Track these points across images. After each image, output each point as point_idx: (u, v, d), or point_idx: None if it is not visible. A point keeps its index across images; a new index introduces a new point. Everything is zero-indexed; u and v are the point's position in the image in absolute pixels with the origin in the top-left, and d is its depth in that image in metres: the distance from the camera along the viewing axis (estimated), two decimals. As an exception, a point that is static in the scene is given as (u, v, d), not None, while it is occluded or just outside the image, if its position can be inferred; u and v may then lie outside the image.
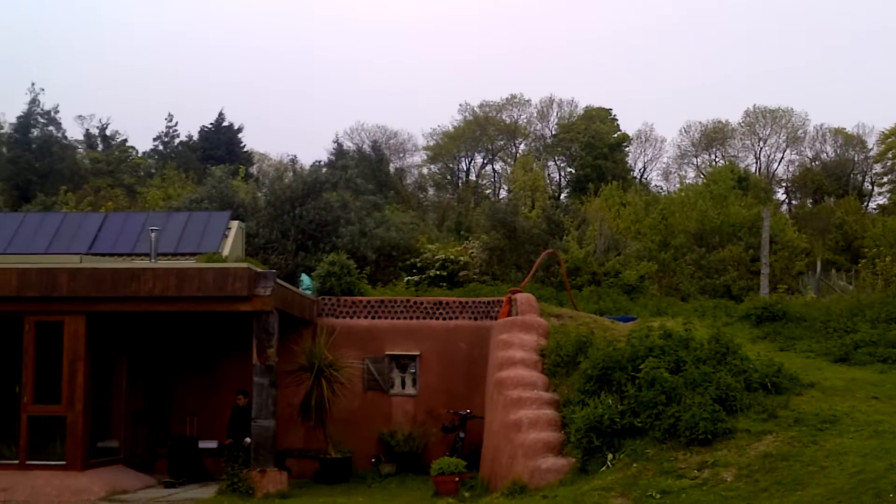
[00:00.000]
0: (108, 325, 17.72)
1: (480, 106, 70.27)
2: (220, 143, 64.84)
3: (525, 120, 70.86)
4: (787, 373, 14.50)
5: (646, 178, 70.01)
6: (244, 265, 16.96)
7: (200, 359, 20.68)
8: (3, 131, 62.69)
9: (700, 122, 70.19)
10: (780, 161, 69.38)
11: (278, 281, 17.26)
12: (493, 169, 71.30)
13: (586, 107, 68.60)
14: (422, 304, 21.13)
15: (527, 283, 22.42)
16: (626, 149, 67.64)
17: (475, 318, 20.87)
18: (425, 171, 71.21)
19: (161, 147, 69.07)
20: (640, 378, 14.02)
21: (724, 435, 12.76)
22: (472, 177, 70.06)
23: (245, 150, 66.97)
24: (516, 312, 18.94)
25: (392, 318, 20.92)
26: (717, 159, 68.73)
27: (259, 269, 17.15)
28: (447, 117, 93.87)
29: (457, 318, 20.94)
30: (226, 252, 25.20)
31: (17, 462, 16.42)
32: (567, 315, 19.90)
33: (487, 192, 67.49)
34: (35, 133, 58.71)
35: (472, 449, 18.32)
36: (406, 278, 33.39)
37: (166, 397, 20.48)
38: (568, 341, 17.01)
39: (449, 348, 20.64)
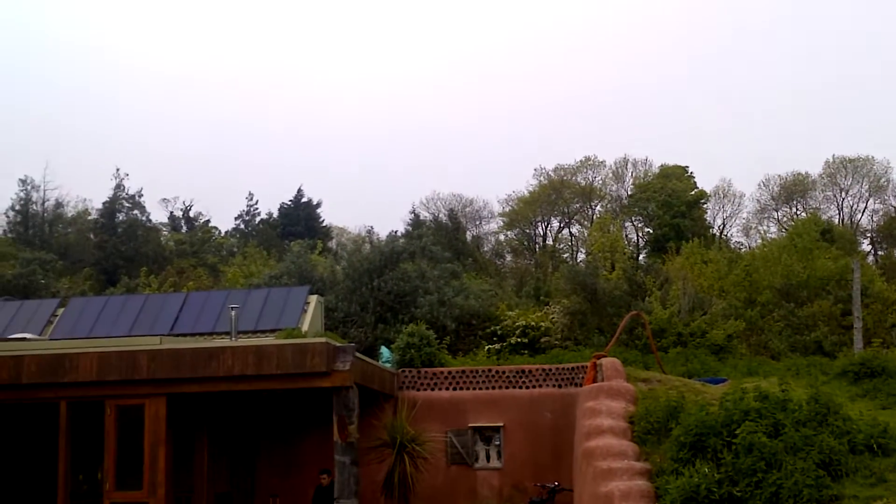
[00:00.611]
0: (188, 407, 17.63)
1: (555, 169, 70.08)
2: (300, 218, 65.71)
3: (600, 181, 70.37)
4: (894, 433, 13.72)
5: (726, 235, 68.71)
6: (322, 340, 16.75)
7: (282, 437, 20.47)
8: (90, 217, 64.43)
9: (779, 176, 68.92)
10: (864, 211, 67.59)
11: (357, 355, 17.01)
12: (570, 232, 70.77)
13: (661, 165, 67.87)
14: (504, 372, 20.68)
15: (611, 346, 21.84)
16: (705, 206, 66.59)
17: (559, 386, 20.34)
18: (502, 237, 71.01)
19: (242, 225, 70.29)
20: (736, 444, 13.39)
21: (830, 502, 12.03)
22: (549, 241, 69.60)
23: (323, 224, 67.75)
24: (602, 378, 18.37)
25: (474, 389, 20.50)
26: (798, 212, 67.23)
27: (338, 344, 16.93)
28: (522, 182, 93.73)
29: (540, 386, 20.43)
30: (305, 327, 25.11)
31: (100, 550, 16.27)
32: (655, 379, 19.27)
33: (565, 255, 66.90)
34: (120, 217, 60.23)
35: (562, 523, 17.69)
36: (486, 347, 32.93)
37: (249, 478, 20.25)
38: (658, 407, 16.39)
39: (533, 418, 20.10)
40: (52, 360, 16.64)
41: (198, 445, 18.31)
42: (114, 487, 16.42)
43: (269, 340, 19.09)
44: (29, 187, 63.73)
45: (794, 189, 68.53)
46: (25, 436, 18.15)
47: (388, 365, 21.19)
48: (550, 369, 20.66)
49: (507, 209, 70.48)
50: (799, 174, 68.47)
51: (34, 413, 17.68)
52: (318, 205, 68.02)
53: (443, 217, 63.65)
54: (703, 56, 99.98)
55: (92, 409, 16.77)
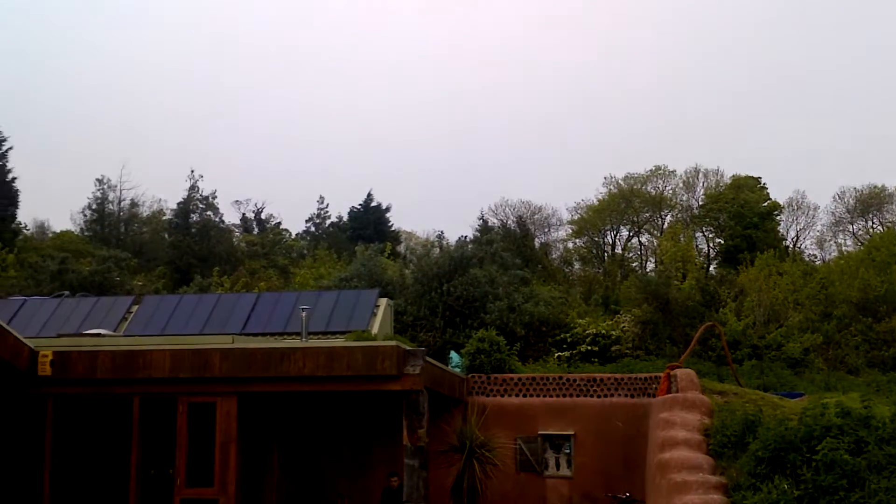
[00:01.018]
0: (260, 406, 17.68)
1: (625, 178, 69.37)
2: (369, 222, 65.98)
3: (670, 191, 69.50)
4: (982, 454, 13.20)
5: (799, 247, 67.34)
6: (393, 343, 16.67)
7: (351, 439, 20.45)
8: (165, 217, 65.49)
9: (855, 188, 67.36)
10: (944, 226, 65.62)
11: (428, 359, 16.88)
12: (640, 241, 69.97)
13: (733, 175, 66.77)
14: (575, 380, 20.42)
15: (685, 357, 21.43)
16: (778, 217, 65.33)
17: (631, 396, 20.01)
18: (570, 245, 70.50)
19: (313, 228, 70.83)
20: (817, 460, 12.99)
21: (916, 524, 11.60)
22: (618, 250, 68.90)
23: (392, 229, 67.93)
24: (676, 389, 18.01)
25: (545, 396, 20.26)
26: (874, 225, 65.58)
27: (408, 347, 16.82)
28: (592, 191, 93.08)
29: (612, 395, 20.14)
30: (375, 330, 25.11)
31: (172, 545, 16.37)
32: (731, 392, 18.83)
33: (634, 264, 66.17)
34: (194, 218, 61.07)
35: (633, 535, 17.38)
36: (556, 354, 32.64)
37: (318, 479, 20.26)
38: (734, 420, 16.01)
39: (605, 427, 19.80)
40: (126, 356, 16.79)
41: (268, 445, 18.35)
42: (185, 484, 16.51)
43: (339, 342, 19.09)
44: (105, 187, 65.00)
45: (870, 202, 66.94)
46: (100, 429, 18.35)
47: (457, 370, 21.07)
48: (622, 378, 20.35)
49: (575, 217, 69.99)
50: (875, 187, 66.89)
51: (108, 407, 17.86)
52: (388, 209, 68.29)
53: (511, 223, 63.41)
54: (777, 67, 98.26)
55: (164, 406, 16.89)
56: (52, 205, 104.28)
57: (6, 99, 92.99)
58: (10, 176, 58.59)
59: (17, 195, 59.02)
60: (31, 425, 17.30)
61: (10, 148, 59.36)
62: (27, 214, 79.64)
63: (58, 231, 64.38)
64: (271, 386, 16.63)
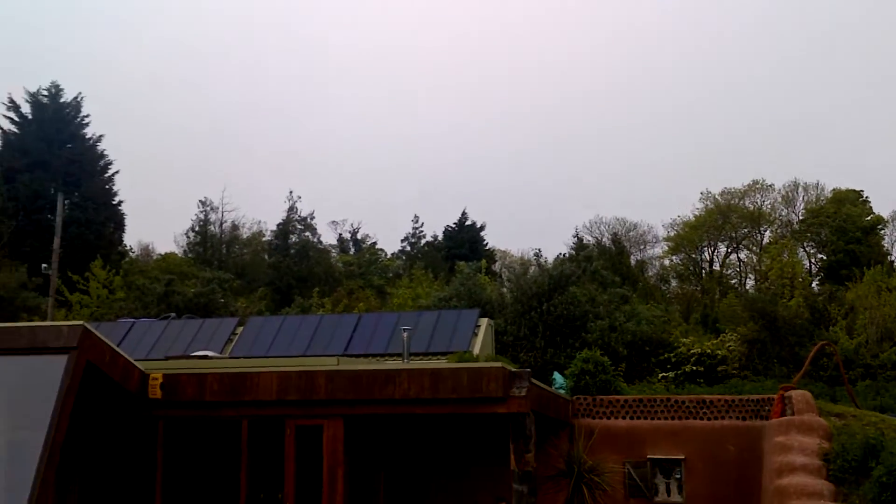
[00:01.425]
0: (365, 431, 17.58)
1: (722, 193, 67.97)
2: (464, 241, 65.98)
3: (769, 206, 67.90)
4: None
5: (906, 262, 64.96)
6: (498, 365, 16.39)
7: (455, 464, 20.20)
8: (264, 238, 66.57)
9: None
10: None
11: (533, 380, 16.58)
12: (738, 258, 68.44)
13: (834, 189, 64.96)
14: (684, 402, 19.86)
15: (799, 378, 20.70)
16: (882, 231, 63.22)
17: (743, 418, 19.37)
18: (667, 262, 69.36)
19: (408, 248, 71.14)
20: (949, 488, 12.31)
21: None
22: (716, 266, 67.50)
23: (487, 247, 67.77)
24: (792, 412, 17.39)
25: (653, 419, 19.75)
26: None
27: (513, 369, 16.53)
28: (688, 207, 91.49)
29: (723, 417, 19.51)
30: (476, 350, 24.91)
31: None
32: (849, 413, 18.12)
33: (732, 281, 64.75)
34: (293, 239, 61.90)
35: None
36: (660, 374, 31.98)
37: (424, 503, 20.08)
38: (854, 444, 15.38)
39: (716, 451, 19.18)
40: (234, 379, 16.88)
41: (374, 468, 18.25)
42: (293, 507, 16.49)
43: (443, 364, 18.91)
44: (208, 209, 66.38)
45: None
46: (209, 451, 18.49)
47: (561, 391, 20.72)
48: (733, 400, 19.72)
49: (672, 233, 68.86)
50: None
51: (217, 429, 17.98)
52: (482, 228, 68.19)
53: (606, 241, 62.70)
54: (877, 76, 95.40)
55: (272, 428, 16.91)
56: (156, 228, 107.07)
57: (112, 125, 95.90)
58: (116, 199, 60.25)
59: (124, 218, 60.66)
60: (142, 447, 17.52)
61: (117, 172, 61.08)
62: (132, 237, 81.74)
63: (162, 253, 65.94)
64: (376, 408, 16.51)
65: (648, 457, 19.38)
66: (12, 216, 52.37)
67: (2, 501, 14.54)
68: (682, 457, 19.22)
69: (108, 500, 17.98)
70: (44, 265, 41.77)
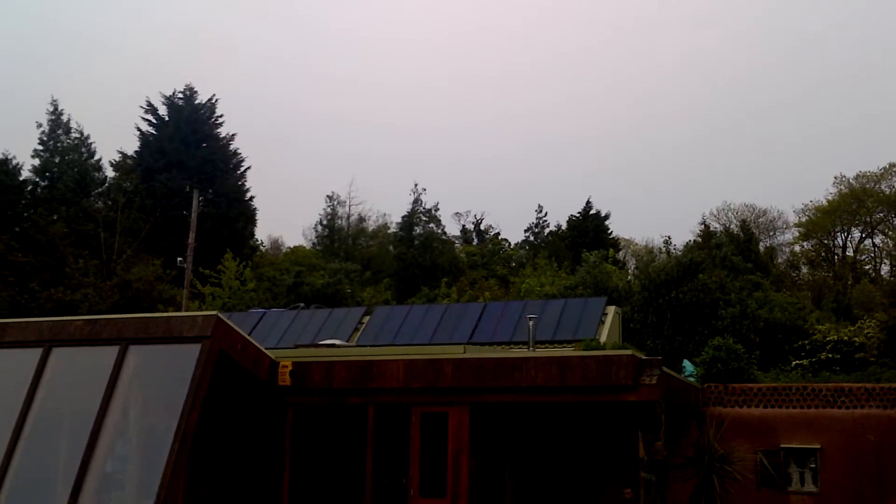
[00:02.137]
0: (489, 418, 17.54)
1: (856, 177, 65.36)
2: (588, 230, 65.27)
3: (907, 189, 64.97)
4: None
5: None
6: (628, 352, 16.12)
7: (581, 452, 19.94)
8: (390, 231, 67.43)
9: None
10: None
11: (663, 368, 16.24)
12: (873, 243, 65.77)
13: (978, 168, 61.79)
14: (820, 391, 19.17)
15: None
16: None
17: (884, 407, 18.58)
18: (797, 248, 67.19)
19: (531, 237, 70.86)
20: None
21: None
22: (849, 252, 65.01)
23: (611, 236, 66.95)
24: (937, 400, 16.58)
25: (787, 407, 19.13)
26: None
27: (642, 357, 16.23)
28: (820, 191, 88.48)
29: (862, 406, 18.76)
30: (603, 338, 24.62)
31: (406, 553, 16.50)
32: None
33: (867, 267, 62.26)
34: (418, 230, 62.46)
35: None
36: (794, 362, 30.95)
37: (549, 492, 19.92)
38: None
39: (854, 441, 18.48)
40: (361, 367, 17.08)
41: (499, 456, 18.19)
42: (418, 493, 16.59)
43: (569, 351, 18.74)
44: (335, 203, 67.62)
45: None
46: (335, 437, 18.75)
47: (691, 379, 20.29)
48: (874, 389, 18.94)
49: (803, 219, 66.68)
50: None
51: (343, 416, 18.21)
52: (607, 217, 67.37)
53: (734, 228, 61.14)
54: None
55: (397, 415, 17.05)
56: (284, 222, 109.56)
57: (243, 126, 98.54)
58: (247, 195, 61.93)
59: (255, 213, 62.32)
60: (271, 432, 17.89)
61: (248, 168, 62.80)
62: (262, 231, 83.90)
63: (291, 247, 67.48)
64: (503, 396, 16.46)
65: (782, 446, 18.82)
66: (150, 213, 54.37)
67: (137, 483, 15.08)
68: (818, 446, 18.59)
69: (239, 484, 18.45)
70: (179, 259, 43.23)
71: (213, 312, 16.09)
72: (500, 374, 16.24)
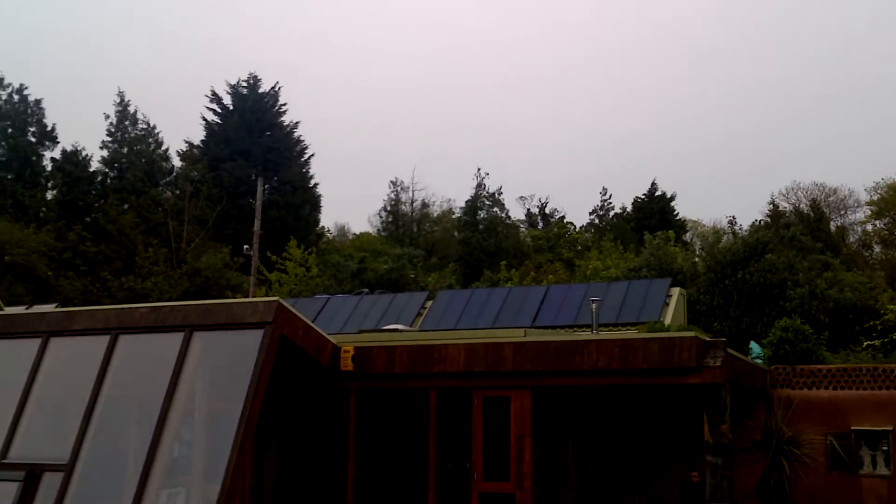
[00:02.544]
0: (553, 402, 17.45)
1: (929, 153, 63.68)
2: (653, 212, 64.59)
3: (983, 164, 63.14)
4: None
5: None
6: (691, 334, 15.87)
7: (646, 436, 19.81)
8: (455, 216, 67.46)
9: None
10: None
11: (728, 350, 15.98)
12: (950, 220, 63.92)
13: None
14: (892, 371, 18.68)
15: None
16: None
17: (960, 388, 18.06)
18: (869, 227, 65.65)
19: (596, 220, 70.35)
20: None
21: None
22: (925, 230, 63.32)
23: (678, 217, 66.14)
24: None
25: (858, 389, 18.71)
26: None
27: (707, 339, 15.97)
28: (892, 168, 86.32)
29: (935, 387, 18.26)
30: (667, 320, 24.33)
31: (470, 538, 16.48)
32: None
33: (941, 244, 60.55)
34: (482, 215, 62.37)
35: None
36: (865, 343, 30.28)
37: (614, 476, 19.80)
38: None
39: (927, 423, 18.00)
40: (422, 351, 17.07)
41: (562, 440, 18.09)
42: (481, 478, 16.55)
43: (632, 334, 18.55)
44: (399, 189, 67.84)
45: None
46: (398, 422, 18.83)
47: (758, 361, 19.94)
48: (947, 369, 18.43)
49: (875, 197, 65.11)
50: None
51: (406, 400, 18.28)
52: (672, 198, 66.55)
53: (804, 207, 60.00)
54: None
55: (459, 399, 17.03)
56: (351, 209, 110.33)
57: (309, 112, 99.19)
58: (312, 182, 62.42)
59: (319, 200, 62.81)
60: (334, 417, 18.01)
61: (312, 155, 63.29)
62: (329, 219, 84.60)
63: (357, 233, 67.93)
64: (564, 380, 16.33)
65: (853, 428, 18.41)
66: (217, 202, 55.13)
67: (203, 468, 15.27)
68: (891, 428, 18.14)
69: (304, 468, 18.62)
70: (245, 246, 43.75)
71: (275, 298, 16.19)
72: (561, 358, 16.10)
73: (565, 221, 71.13)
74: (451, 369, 16.82)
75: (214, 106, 61.73)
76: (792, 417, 17.87)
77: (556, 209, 73.18)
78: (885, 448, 18.21)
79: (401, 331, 21.64)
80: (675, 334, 16.88)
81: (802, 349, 19.46)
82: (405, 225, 67.14)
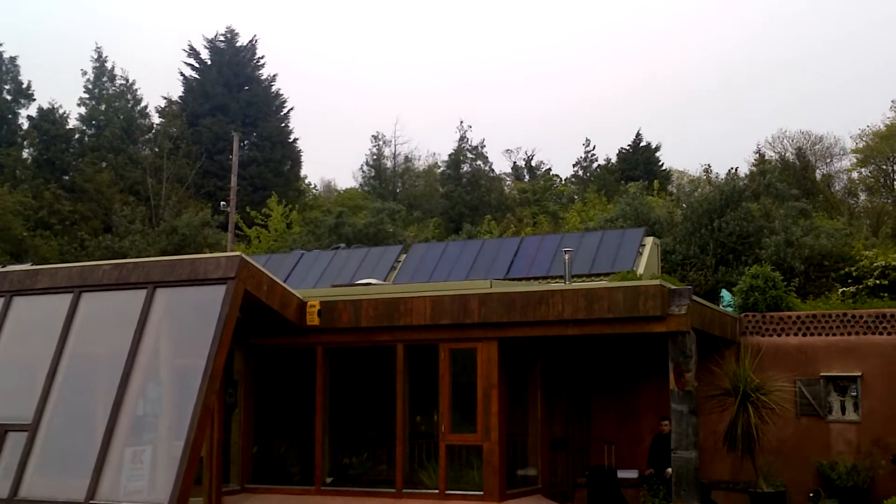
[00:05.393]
0: (522, 352, 17.44)
1: (914, 100, 63.42)
2: (638, 163, 64.47)
3: (968, 111, 62.78)
4: None
5: None
6: (656, 282, 15.80)
7: (617, 384, 19.86)
8: (438, 170, 67.24)
9: None
10: None
11: (694, 298, 15.92)
12: (933, 167, 63.93)
13: None
14: (861, 317, 18.69)
15: None
16: None
17: (928, 332, 18.08)
18: (855, 175, 65.60)
19: (580, 172, 70.20)
20: None
21: None
22: (909, 177, 63.32)
23: (663, 168, 66.01)
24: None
25: (826, 335, 18.73)
26: None
27: (672, 287, 15.91)
28: (878, 116, 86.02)
29: (904, 332, 18.27)
30: (640, 270, 24.27)
31: (437, 492, 16.47)
32: None
33: (926, 192, 60.63)
34: (465, 168, 62.18)
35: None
36: (840, 289, 30.30)
37: (583, 425, 19.86)
38: None
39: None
40: (388, 304, 16.99)
41: (531, 391, 18.08)
42: (449, 430, 16.54)
43: (600, 284, 18.43)
44: (381, 143, 67.48)
45: None
46: (365, 376, 18.79)
47: (729, 309, 19.92)
48: (917, 313, 18.43)
49: (860, 145, 65.00)
50: None
51: (374, 355, 18.20)
52: (657, 148, 66.40)
53: (790, 156, 59.87)
54: None
55: (427, 352, 16.99)
56: (338, 166, 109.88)
57: (286, 67, 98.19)
58: (291, 137, 61.99)
59: (300, 155, 62.43)
60: (304, 373, 17.97)
61: (291, 108, 62.80)
62: (315, 175, 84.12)
63: (343, 189, 67.70)
64: (530, 330, 16.27)
65: (821, 374, 18.45)
66: (196, 158, 54.75)
67: (169, 425, 15.25)
68: (859, 374, 18.18)
69: (274, 424, 18.71)
70: (222, 203, 43.51)
71: (237, 253, 16.09)
72: (526, 309, 16.04)
73: (551, 174, 70.97)
74: (418, 322, 16.77)
75: (192, 61, 61.12)
76: (761, 364, 17.87)
77: (542, 161, 73.07)
78: (854, 394, 18.27)
79: (374, 285, 21.51)
80: (639, 283, 16.80)
81: (772, 297, 19.42)
82: (388, 180, 66.88)
